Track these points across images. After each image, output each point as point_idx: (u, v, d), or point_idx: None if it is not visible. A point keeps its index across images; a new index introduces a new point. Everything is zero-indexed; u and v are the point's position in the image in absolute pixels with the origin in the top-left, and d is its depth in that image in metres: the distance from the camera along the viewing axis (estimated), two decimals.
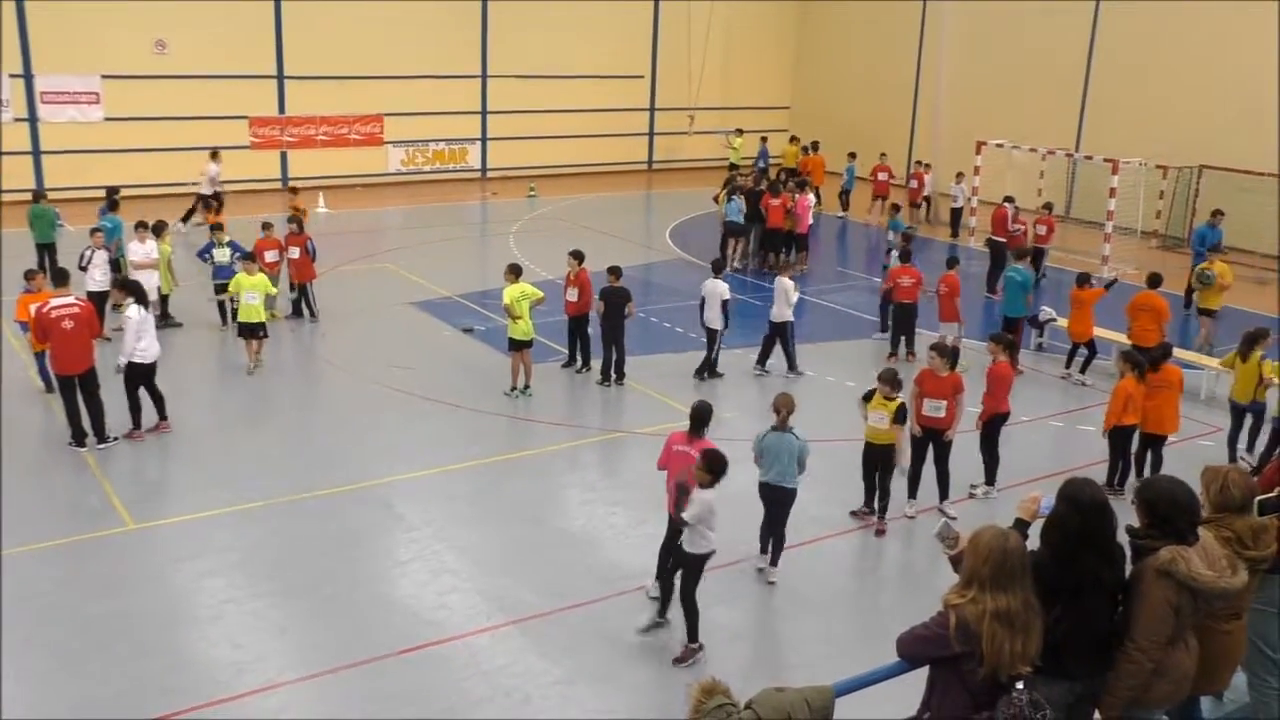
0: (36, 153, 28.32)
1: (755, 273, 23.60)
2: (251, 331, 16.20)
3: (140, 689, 8.82)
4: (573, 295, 16.35)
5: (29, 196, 27.39)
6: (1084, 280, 17.39)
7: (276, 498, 12.30)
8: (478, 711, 8.72)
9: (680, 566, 9.54)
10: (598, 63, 35.23)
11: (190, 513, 11.90)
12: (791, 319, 16.73)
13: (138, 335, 13.44)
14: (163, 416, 14.00)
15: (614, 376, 16.20)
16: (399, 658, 9.36)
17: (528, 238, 26.48)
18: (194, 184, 26.38)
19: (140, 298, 13.83)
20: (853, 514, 12.19)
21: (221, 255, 18.00)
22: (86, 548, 11.14)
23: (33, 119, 28.11)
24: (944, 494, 12.34)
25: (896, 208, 24.89)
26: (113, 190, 19.97)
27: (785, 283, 16.80)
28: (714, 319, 16.49)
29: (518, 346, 15.48)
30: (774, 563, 10.97)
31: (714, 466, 9.25)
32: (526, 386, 15.59)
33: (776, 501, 10.78)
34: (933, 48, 32.27)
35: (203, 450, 13.71)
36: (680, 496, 9.50)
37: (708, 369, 16.67)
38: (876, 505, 11.96)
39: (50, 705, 8.64)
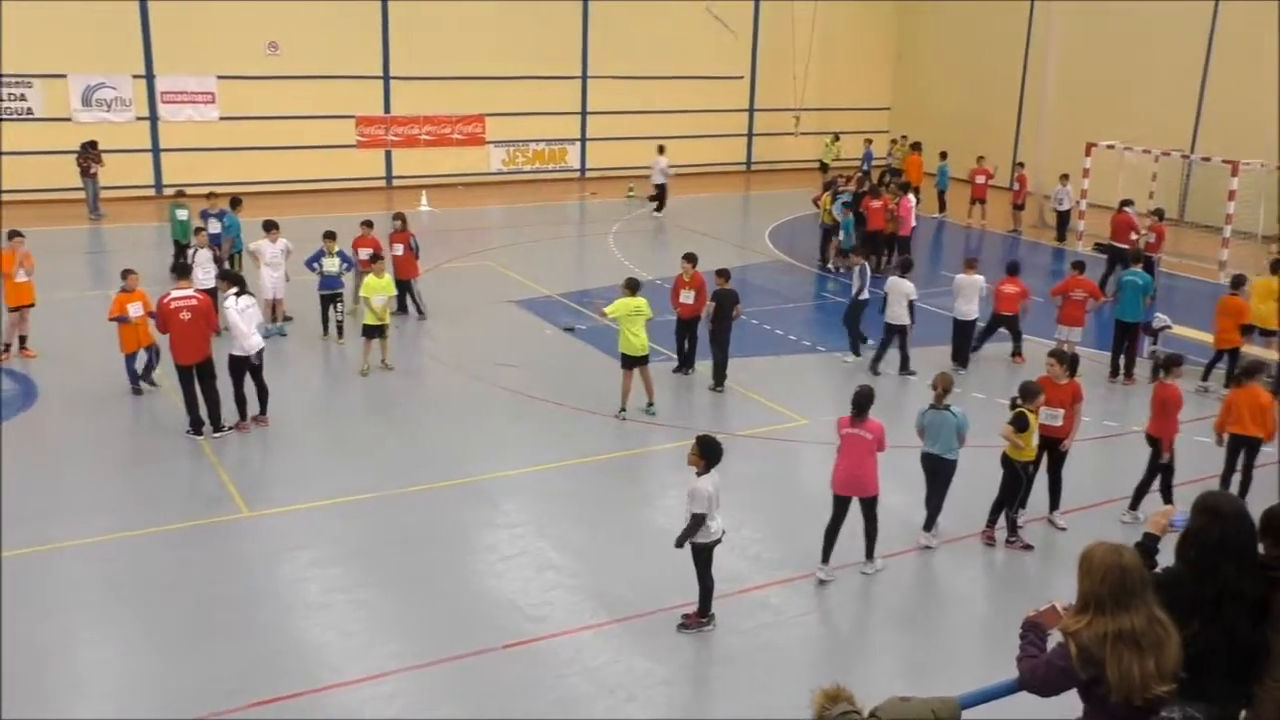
0: (156, 150, 29.31)
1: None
2: (374, 332, 16.45)
3: (256, 670, 9.08)
4: (688, 297, 16.32)
5: (151, 193, 28.62)
6: (1239, 283, 16.77)
7: (384, 490, 12.54)
8: (582, 708, 8.78)
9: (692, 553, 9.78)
10: (698, 63, 35.23)
11: (302, 502, 12.20)
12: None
13: (243, 320, 13.79)
14: (263, 410, 14.35)
15: (717, 380, 16.10)
16: (504, 652, 9.47)
17: (627, 238, 26.59)
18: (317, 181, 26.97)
19: (242, 288, 14.18)
20: (986, 536, 11.80)
21: (330, 265, 17.76)
22: (205, 532, 11.51)
23: (153, 118, 29.11)
24: (1055, 503, 12.06)
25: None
26: (235, 199, 20.42)
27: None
28: (900, 315, 16.64)
29: (632, 363, 14.84)
30: (927, 527, 11.52)
31: (707, 452, 9.51)
32: (650, 404, 15.03)
33: (938, 472, 11.33)
34: (1040, 46, 31.56)
35: (314, 442, 14.06)
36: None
37: (883, 362, 16.91)
38: (1006, 519, 11.66)
39: (168, 682, 8.94)
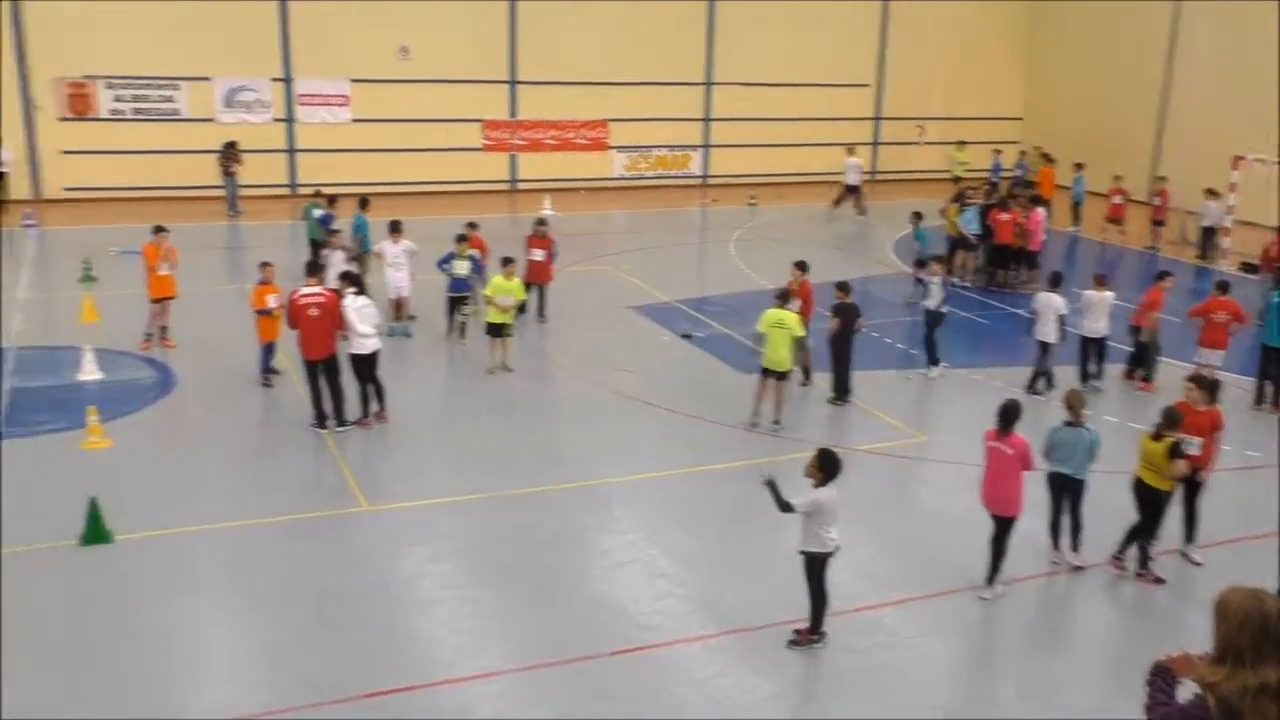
0: (291, 151, 30.28)
1: (981, 290, 22.77)
2: (498, 331, 16.65)
3: (369, 662, 9.24)
4: (794, 306, 16.13)
5: (285, 192, 29.55)
6: None
7: (500, 490, 12.67)
8: None
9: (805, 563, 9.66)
10: (823, 71, 34.87)
11: (420, 499, 12.41)
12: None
13: (360, 319, 14.10)
14: (381, 407, 14.63)
15: (841, 394, 15.84)
16: (613, 658, 9.45)
17: (747, 246, 26.43)
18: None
19: (361, 288, 14.47)
20: (1115, 563, 11.35)
21: (461, 267, 17.89)
22: (325, 524, 11.78)
23: (290, 119, 30.09)
24: (1190, 536, 11.52)
25: None
26: (364, 199, 20.93)
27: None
28: (1048, 333, 16.26)
29: (767, 374, 14.64)
30: (1075, 548, 11.27)
31: (825, 465, 9.42)
32: (776, 421, 14.75)
33: (1069, 491, 11.09)
34: (1186, 52, 30.29)
35: (433, 440, 14.29)
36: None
37: (1043, 380, 16.45)
38: (1137, 549, 11.19)
39: (283, 669, 9.17)
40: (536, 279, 19.17)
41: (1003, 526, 10.50)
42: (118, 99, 28.46)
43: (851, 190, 30.80)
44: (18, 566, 10.47)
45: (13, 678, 8.82)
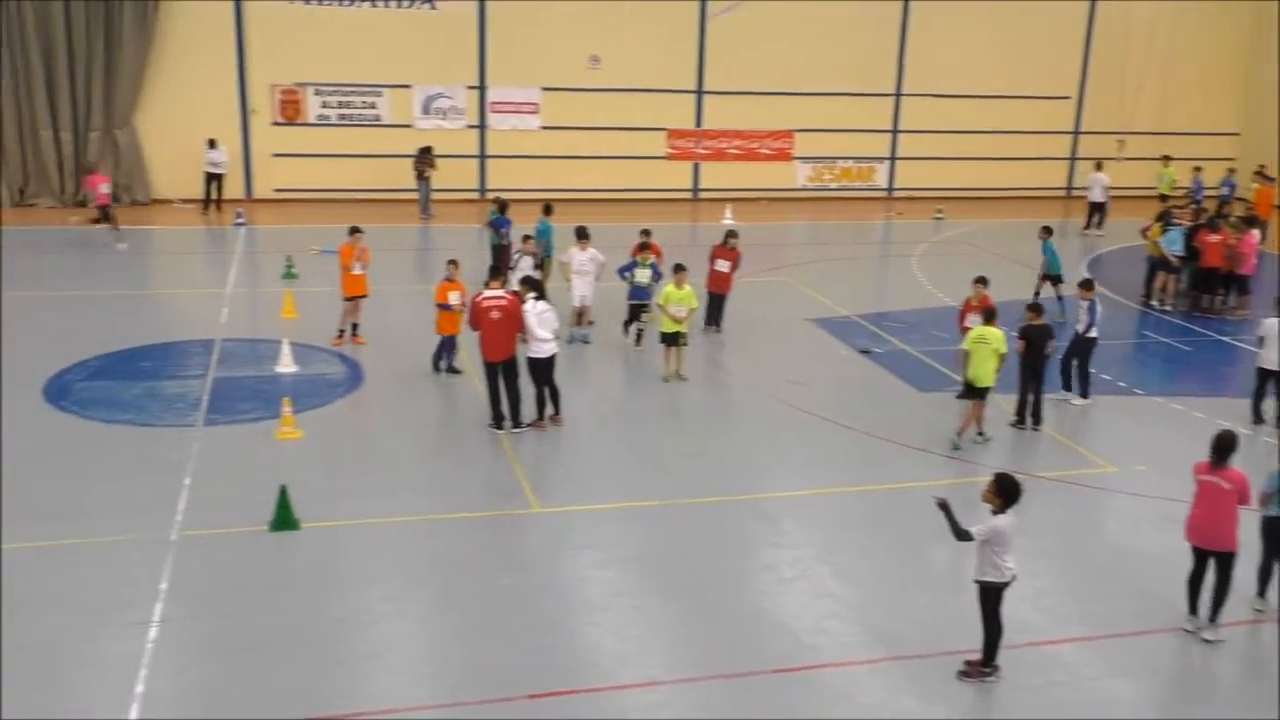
0: (482, 157, 31.23)
1: (1184, 315, 21.52)
2: (673, 340, 16.71)
3: (533, 663, 9.38)
4: (974, 321, 15.60)
5: (475, 196, 30.48)
6: None
7: (669, 498, 12.69)
8: None
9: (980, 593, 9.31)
10: (1020, 83, 33.66)
11: (590, 503, 12.54)
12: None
13: (539, 324, 14.35)
14: (556, 411, 14.83)
15: (1030, 420, 15.22)
16: (775, 676, 9.33)
17: (932, 261, 25.75)
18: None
19: (541, 293, 14.73)
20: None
21: (642, 276, 17.93)
22: (498, 523, 12.06)
23: (482, 126, 31.04)
24: None
25: None
26: (548, 205, 21.38)
27: None
28: (1273, 360, 15.43)
29: (973, 392, 14.36)
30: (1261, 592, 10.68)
31: (1004, 490, 9.04)
32: (957, 439, 14.43)
33: None
34: None
35: (605, 446, 14.43)
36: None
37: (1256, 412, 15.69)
38: None
39: (451, 663, 9.39)
40: (718, 289, 19.16)
41: (1224, 563, 9.98)
42: (324, 105, 29.96)
43: (1097, 207, 29.43)
44: (212, 548, 11.10)
45: (198, 655, 9.34)
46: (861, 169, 34.21)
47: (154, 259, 24.89)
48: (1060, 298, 20.42)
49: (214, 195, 28.48)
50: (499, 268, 16.33)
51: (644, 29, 30.94)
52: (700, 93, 32.20)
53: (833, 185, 34.01)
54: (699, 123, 32.49)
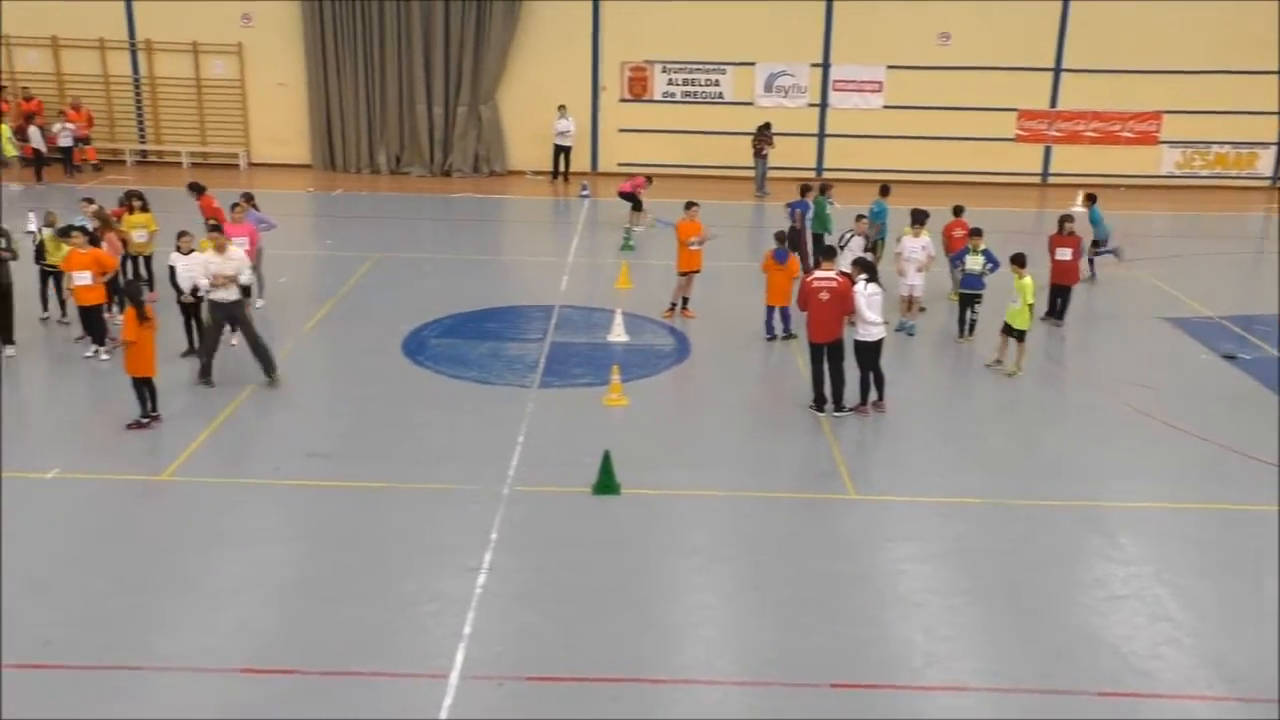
0: (821, 135, 31.02)
1: None
2: (1011, 331, 15.96)
3: (839, 651, 9.26)
4: None
5: (811, 175, 30.33)
6: None
7: (993, 497, 12.14)
8: None
9: None
10: None
11: (909, 494, 12.22)
12: None
13: (868, 306, 14.04)
14: (880, 397, 14.50)
15: None
16: (1099, 699, 8.72)
17: None
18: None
19: (873, 276, 14.37)
20: None
21: (974, 263, 17.10)
22: (813, 506, 11.98)
23: (823, 105, 30.82)
24: None
25: None
26: (884, 186, 20.87)
27: None
28: None
29: None
30: None
31: None
32: None
33: None
34: None
35: (928, 437, 13.97)
36: None
37: None
38: None
39: (757, 644, 9.41)
40: (1062, 279, 18.09)
41: None
42: (670, 82, 30.80)
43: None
44: (538, 504, 11.74)
45: (520, 604, 9.91)
46: (1241, 155, 31.08)
47: (506, 227, 26.57)
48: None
49: (561, 168, 30.02)
50: (831, 249, 16.15)
51: (1001, 3, 29.50)
52: (1058, 70, 30.37)
53: (1204, 172, 31.14)
54: (1054, 103, 30.66)
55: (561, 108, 29.70)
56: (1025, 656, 9.29)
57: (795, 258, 17.51)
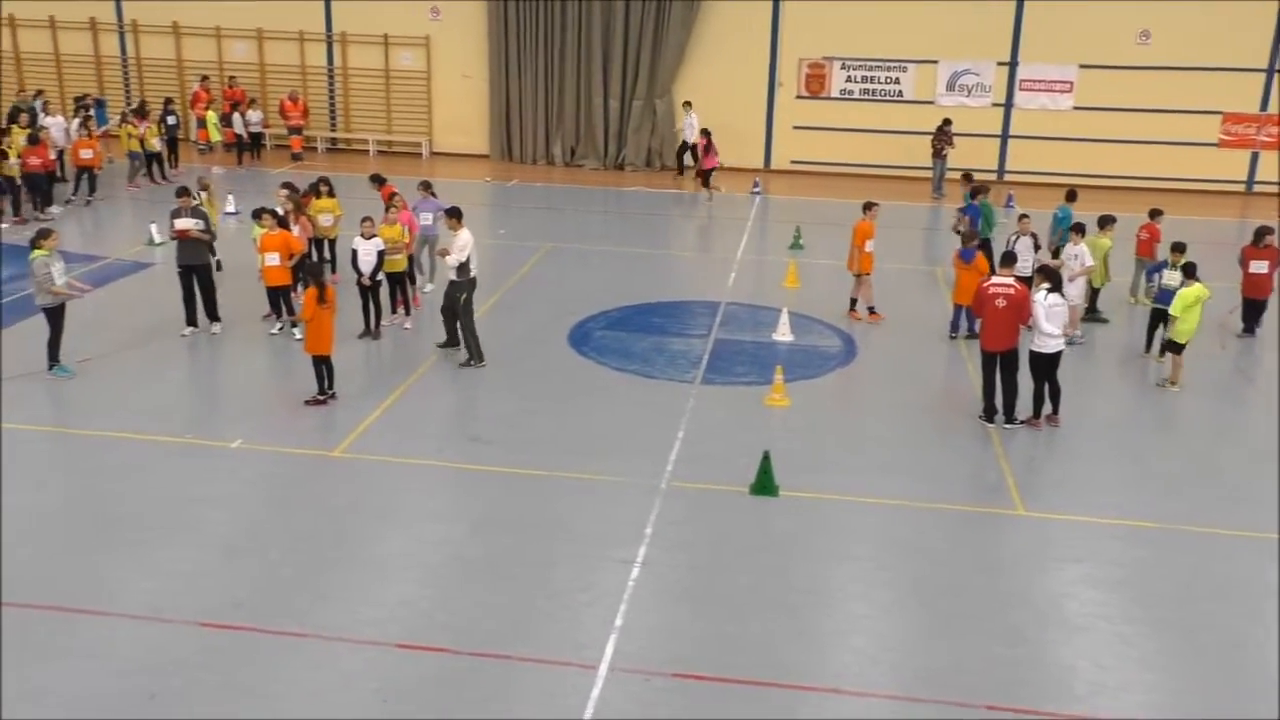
0: (1004, 137, 30.01)
1: None
2: (1173, 347, 15.12)
3: (996, 672, 8.95)
4: None
5: (992, 178, 29.34)
6: None
7: (1172, 522, 11.51)
8: None
9: None
10: None
11: (1080, 514, 11.70)
12: None
13: (1047, 317, 13.47)
14: (1055, 410, 13.94)
15: None
16: None
17: None
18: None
19: (1055, 286, 13.77)
20: None
21: (1172, 279, 15.87)
22: (978, 520, 11.59)
23: (1008, 105, 29.79)
24: None
25: None
26: (1071, 191, 19.94)
27: None
28: None
29: None
30: None
31: None
32: None
33: None
34: None
35: (1102, 454, 13.33)
36: None
37: None
38: None
39: (907, 655, 9.18)
40: (1255, 293, 17.05)
41: None
42: (849, 79, 30.33)
43: None
44: (695, 501, 11.73)
45: (671, 600, 9.91)
46: None
47: (676, 222, 26.66)
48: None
49: (689, 163, 29.63)
50: (1011, 254, 15.57)
51: (1205, 2, 27.90)
52: (1271, 71, 28.56)
53: None
54: (1264, 106, 28.84)
55: (687, 104, 29.63)
56: (1198, 692, 8.78)
57: (982, 256, 16.85)
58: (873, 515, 11.59)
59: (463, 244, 15.23)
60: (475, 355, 15.46)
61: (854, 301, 18.06)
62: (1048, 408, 13.95)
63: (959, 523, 11.53)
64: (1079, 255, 16.83)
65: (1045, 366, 13.77)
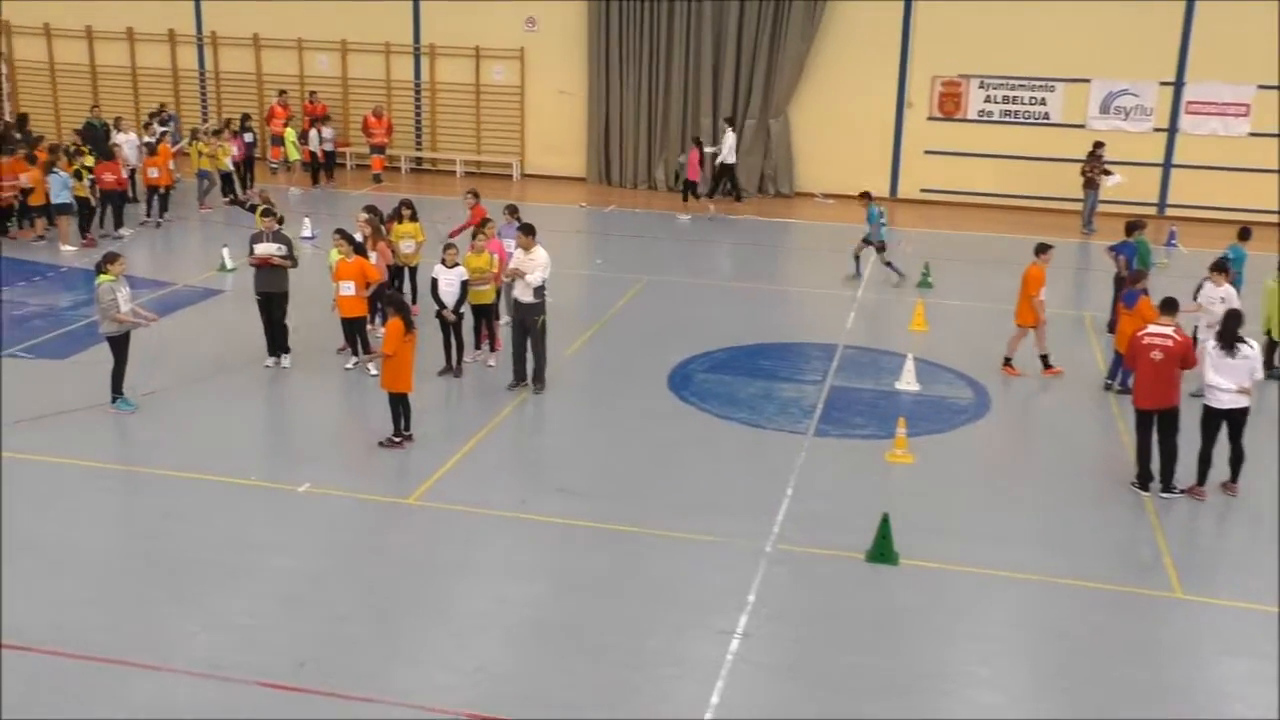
0: (1167, 165, 29.33)
1: None
2: None
3: None
4: None
5: (1153, 212, 28.72)
6: None
7: None
8: None
9: None
10: None
11: (1246, 600, 11.29)
12: None
13: (1216, 370, 13.15)
14: (1233, 477, 13.56)
15: None
16: None
17: None
18: None
19: (1227, 335, 13.40)
20: None
21: None
22: (1128, 601, 11.26)
23: (1172, 129, 29.14)
24: None
25: None
26: (1245, 230, 19.37)
27: None
28: None
29: None
30: None
31: None
32: None
33: None
34: None
35: (1275, 532, 12.89)
36: None
37: None
38: None
39: None
40: None
41: None
42: (988, 99, 30.06)
43: None
44: (804, 566, 11.67)
45: (776, 678, 9.83)
46: None
47: (790, 254, 26.66)
48: None
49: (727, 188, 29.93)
50: (1172, 300, 15.20)
51: None
52: None
53: None
54: None
55: (728, 120, 29.76)
56: None
57: (1147, 300, 16.17)
58: (1005, 590, 11.37)
59: (543, 263, 15.54)
60: (538, 380, 15.99)
61: (1008, 360, 17.50)
62: (1226, 474, 13.52)
63: (1105, 603, 11.22)
64: (1225, 299, 16.19)
65: (1217, 424, 13.35)
